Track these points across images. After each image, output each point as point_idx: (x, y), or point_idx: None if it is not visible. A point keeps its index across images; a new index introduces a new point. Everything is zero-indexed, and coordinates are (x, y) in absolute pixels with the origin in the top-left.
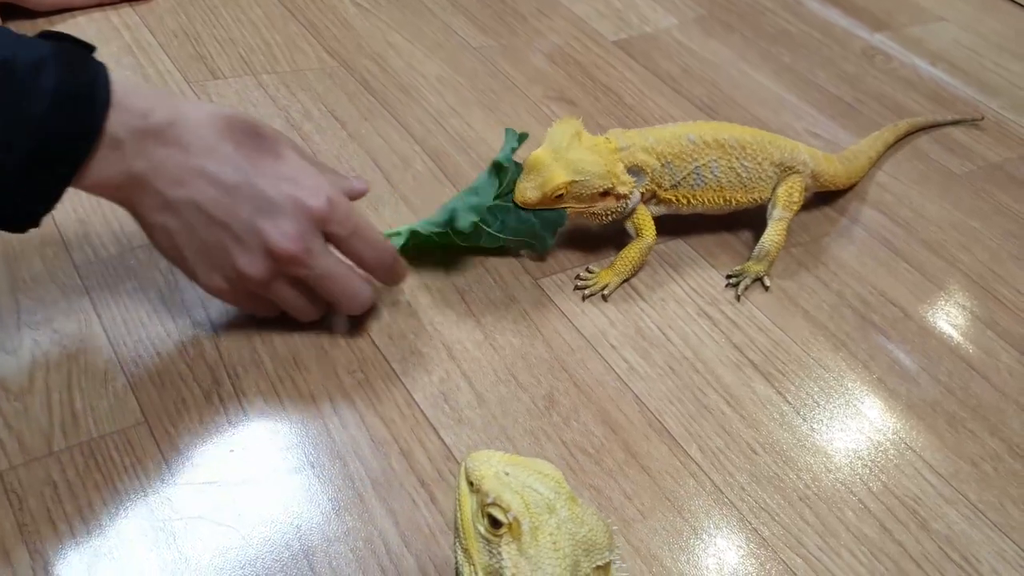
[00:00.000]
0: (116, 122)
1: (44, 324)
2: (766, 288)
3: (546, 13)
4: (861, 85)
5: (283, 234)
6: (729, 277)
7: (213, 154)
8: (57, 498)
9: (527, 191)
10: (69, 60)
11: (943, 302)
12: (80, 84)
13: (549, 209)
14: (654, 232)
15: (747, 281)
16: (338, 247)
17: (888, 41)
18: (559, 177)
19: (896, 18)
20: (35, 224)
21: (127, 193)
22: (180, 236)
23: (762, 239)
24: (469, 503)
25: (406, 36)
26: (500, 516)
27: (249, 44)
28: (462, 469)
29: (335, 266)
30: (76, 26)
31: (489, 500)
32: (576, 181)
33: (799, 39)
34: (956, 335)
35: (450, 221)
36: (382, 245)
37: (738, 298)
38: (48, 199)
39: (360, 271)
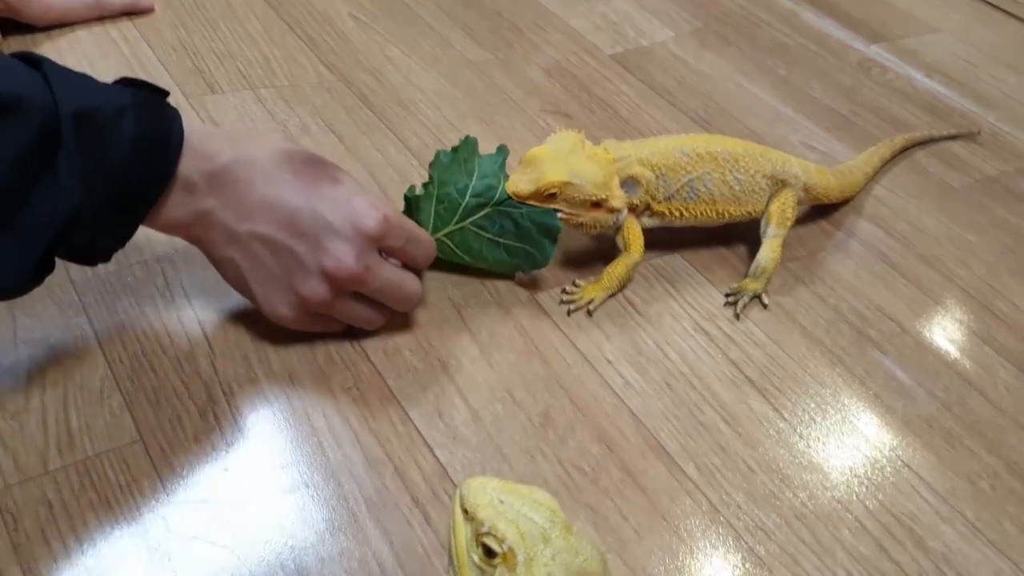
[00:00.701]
0: (188, 166)
1: (41, 341)
2: (764, 306)
3: (543, 27)
4: (857, 97)
5: (342, 257)
6: (727, 295)
7: (274, 184)
8: (52, 517)
9: (520, 183)
10: (147, 107)
11: (940, 317)
12: (157, 131)
13: (539, 207)
14: (642, 248)
15: (745, 299)
16: (392, 255)
17: (884, 53)
18: (556, 175)
19: (892, 30)
20: (106, 260)
21: (196, 231)
22: (246, 267)
23: (758, 257)
24: (464, 531)
25: (404, 50)
26: (495, 546)
27: (247, 58)
28: (456, 496)
29: (390, 275)
30: (75, 40)
31: (484, 529)
32: (571, 184)
33: (795, 51)
34: (953, 350)
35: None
36: (427, 241)
37: (737, 316)
38: (122, 238)
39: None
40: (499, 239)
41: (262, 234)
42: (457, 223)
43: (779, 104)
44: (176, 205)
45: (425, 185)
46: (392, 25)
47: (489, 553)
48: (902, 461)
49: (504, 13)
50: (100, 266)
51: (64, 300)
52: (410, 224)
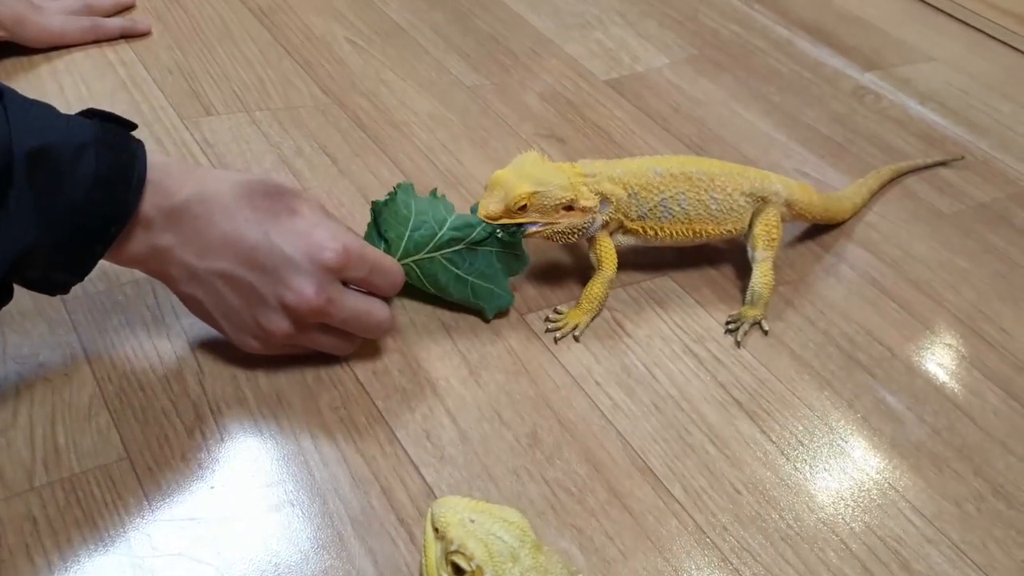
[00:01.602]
0: (149, 203)
1: (30, 358)
2: (765, 332)
3: (539, 52)
4: (851, 124)
5: (302, 291)
6: (727, 324)
7: (233, 220)
8: (36, 534)
9: (490, 205)
10: (110, 144)
11: (930, 342)
12: (118, 168)
13: (509, 239)
14: (615, 264)
15: (746, 327)
16: (356, 285)
17: (878, 81)
18: (522, 188)
19: (886, 58)
20: (65, 292)
21: (155, 265)
22: (209, 303)
23: (751, 283)
24: (434, 550)
25: (399, 74)
26: (463, 564)
27: (243, 81)
28: (428, 515)
29: (355, 305)
30: (72, 62)
31: (453, 548)
32: (538, 192)
33: (789, 78)
34: (942, 375)
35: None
36: (393, 270)
37: (738, 344)
38: (80, 273)
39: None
40: (468, 276)
41: (222, 270)
42: (428, 252)
43: (773, 131)
44: (134, 241)
45: (390, 194)
46: (388, 49)
47: (458, 571)
48: (889, 484)
49: (500, 39)
50: (91, 285)
51: (54, 318)
52: (373, 254)
